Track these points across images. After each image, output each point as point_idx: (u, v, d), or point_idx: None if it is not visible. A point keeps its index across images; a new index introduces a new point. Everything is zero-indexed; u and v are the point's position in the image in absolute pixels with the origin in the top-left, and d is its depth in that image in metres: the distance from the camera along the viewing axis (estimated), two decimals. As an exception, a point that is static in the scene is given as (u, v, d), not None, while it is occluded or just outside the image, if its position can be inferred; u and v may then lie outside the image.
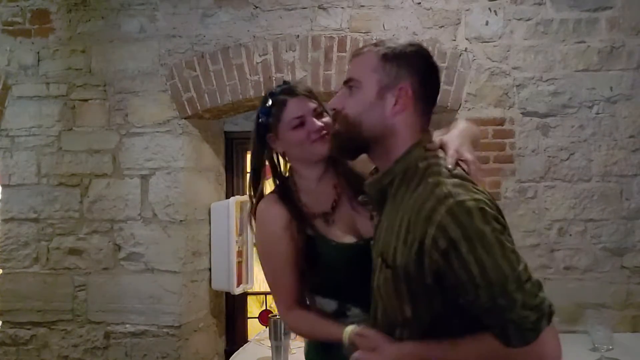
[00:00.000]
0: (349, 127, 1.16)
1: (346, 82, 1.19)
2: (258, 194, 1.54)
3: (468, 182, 1.08)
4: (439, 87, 1.21)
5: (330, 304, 1.44)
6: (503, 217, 1.06)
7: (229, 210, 3.17)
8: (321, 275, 1.43)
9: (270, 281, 1.50)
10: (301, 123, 1.48)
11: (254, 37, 3.05)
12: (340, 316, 1.42)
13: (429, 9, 2.97)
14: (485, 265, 0.98)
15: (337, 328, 1.32)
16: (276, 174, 1.59)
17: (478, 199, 1.02)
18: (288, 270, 1.44)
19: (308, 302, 1.49)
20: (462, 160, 1.15)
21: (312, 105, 1.50)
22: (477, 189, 1.07)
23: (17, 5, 3.21)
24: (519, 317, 0.99)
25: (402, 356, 1.11)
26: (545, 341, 1.02)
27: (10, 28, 3.22)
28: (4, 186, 3.22)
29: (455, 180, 1.07)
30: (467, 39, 2.95)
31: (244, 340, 3.25)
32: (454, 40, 2.96)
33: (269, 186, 3.75)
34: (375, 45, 1.18)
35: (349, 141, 1.18)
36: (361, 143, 1.17)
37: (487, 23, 2.95)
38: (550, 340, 1.03)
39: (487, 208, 1.02)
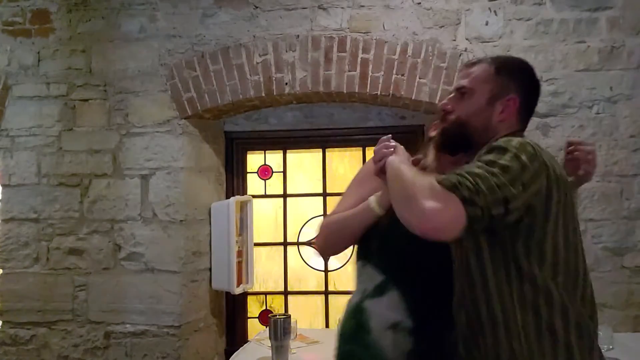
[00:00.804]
0: (456, 127, 1.34)
1: (458, 89, 1.37)
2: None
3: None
4: (538, 100, 1.39)
5: (375, 277, 1.47)
6: (550, 168, 1.17)
7: (229, 210, 3.17)
8: (384, 243, 1.47)
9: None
10: None
11: (254, 37, 3.06)
12: (377, 293, 1.45)
13: (429, 9, 2.97)
14: (491, 157, 1.15)
15: (363, 206, 1.46)
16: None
17: (527, 141, 1.18)
18: (353, 199, 1.53)
19: (356, 266, 1.54)
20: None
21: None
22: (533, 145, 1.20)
23: (17, 5, 3.22)
24: (463, 173, 1.11)
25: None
26: (446, 198, 1.08)
27: (11, 28, 3.22)
28: (4, 186, 3.22)
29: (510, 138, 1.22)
30: (467, 39, 2.95)
31: (244, 340, 3.25)
32: (454, 40, 2.96)
33: (269, 186, 3.75)
34: (492, 59, 1.38)
35: (454, 138, 1.36)
36: (464, 141, 1.34)
37: (487, 23, 2.95)
38: (447, 202, 1.07)
39: (529, 147, 1.16)
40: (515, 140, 1.18)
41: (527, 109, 1.35)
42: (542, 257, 1.17)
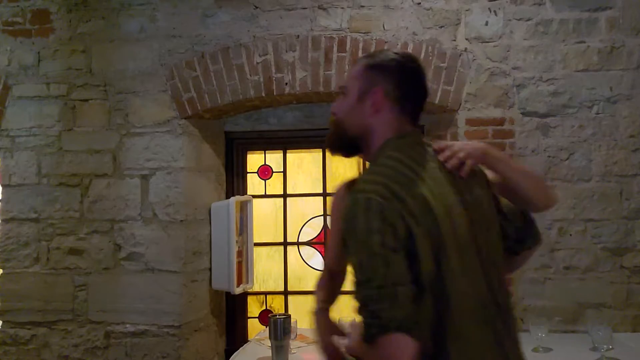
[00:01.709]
0: (337, 127, 1.35)
1: (340, 89, 1.38)
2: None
3: (389, 169, 1.18)
4: (420, 88, 1.32)
5: None
6: (399, 207, 1.09)
7: (229, 210, 3.17)
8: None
9: None
10: None
11: (254, 37, 3.06)
12: None
13: (429, 9, 2.97)
14: (356, 259, 1.10)
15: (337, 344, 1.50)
16: None
17: (367, 190, 1.12)
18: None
19: None
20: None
21: None
22: (379, 178, 1.15)
23: (18, 5, 3.22)
24: (364, 315, 1.07)
25: None
26: (391, 345, 1.03)
27: (11, 28, 3.22)
28: (4, 186, 3.22)
29: (372, 170, 1.24)
30: (467, 39, 2.96)
31: (244, 340, 3.25)
32: (454, 40, 2.96)
33: (269, 186, 3.75)
34: (366, 56, 1.37)
35: (338, 140, 1.36)
36: (348, 141, 1.33)
37: (487, 23, 2.95)
38: (397, 346, 1.03)
39: (373, 200, 1.10)
40: (360, 196, 1.12)
41: (400, 99, 1.27)
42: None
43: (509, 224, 1.37)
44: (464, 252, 1.15)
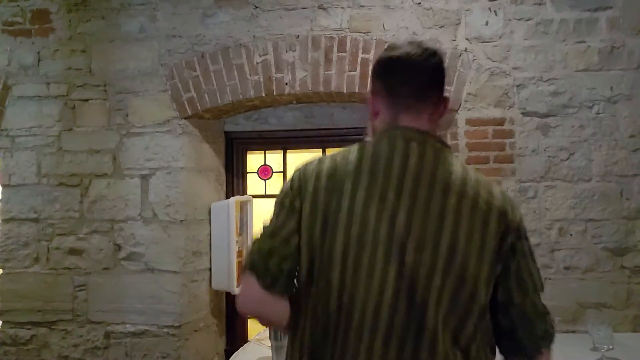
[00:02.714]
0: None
1: None
2: None
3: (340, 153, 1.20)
4: (398, 75, 1.19)
5: None
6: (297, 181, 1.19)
7: (229, 210, 3.17)
8: None
9: None
10: None
11: (254, 37, 3.06)
12: None
13: (429, 9, 2.97)
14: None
15: None
16: None
17: (305, 163, 1.22)
18: None
19: None
20: None
21: None
22: (321, 160, 1.21)
23: (17, 5, 3.22)
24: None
25: None
26: (243, 281, 1.18)
27: (11, 28, 3.22)
28: (4, 186, 3.22)
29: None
30: (467, 39, 2.95)
31: (244, 340, 3.25)
32: (454, 40, 2.96)
33: (269, 186, 3.75)
34: None
35: None
36: None
37: (487, 23, 2.95)
38: (244, 284, 1.18)
39: (297, 172, 1.21)
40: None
41: (384, 92, 1.20)
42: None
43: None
44: (365, 247, 1.06)
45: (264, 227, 1.20)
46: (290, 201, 1.17)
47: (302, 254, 1.13)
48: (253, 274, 1.13)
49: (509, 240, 1.09)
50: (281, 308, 1.15)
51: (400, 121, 1.18)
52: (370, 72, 1.26)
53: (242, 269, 1.16)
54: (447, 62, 2.93)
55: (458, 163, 1.15)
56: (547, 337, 1.11)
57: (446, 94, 1.24)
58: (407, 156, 1.12)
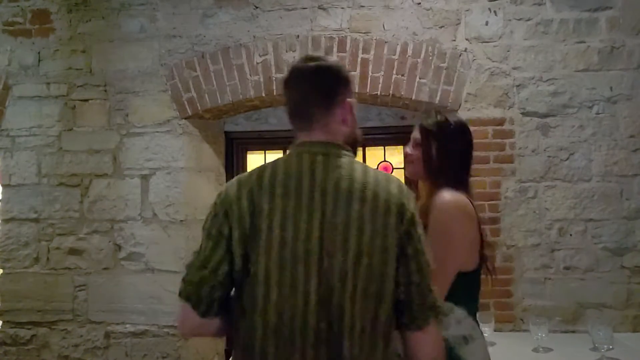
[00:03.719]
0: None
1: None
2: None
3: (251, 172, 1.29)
4: (292, 96, 1.35)
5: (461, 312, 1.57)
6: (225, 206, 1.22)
7: (229, 210, 3.16)
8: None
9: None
10: None
11: (254, 37, 3.06)
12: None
13: (429, 9, 2.97)
14: None
15: None
16: None
17: (227, 185, 1.27)
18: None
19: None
20: None
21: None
22: (241, 178, 1.28)
23: (18, 6, 3.22)
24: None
25: None
26: (179, 309, 1.24)
27: (11, 28, 3.22)
28: (4, 186, 3.22)
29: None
30: (467, 39, 2.95)
31: (244, 340, 3.25)
32: (454, 40, 2.96)
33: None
34: None
35: None
36: None
37: (487, 23, 2.95)
38: (179, 311, 1.25)
39: (218, 194, 1.25)
40: (218, 194, 1.27)
41: (289, 115, 1.40)
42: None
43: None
44: (286, 266, 1.17)
45: (195, 256, 1.23)
46: (218, 229, 1.21)
47: (235, 278, 1.21)
48: (188, 303, 1.22)
49: (405, 228, 1.22)
50: (217, 325, 1.26)
51: (302, 136, 1.33)
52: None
53: (179, 296, 1.23)
54: (447, 62, 2.94)
55: (359, 168, 1.25)
56: (435, 309, 1.23)
57: (347, 98, 1.31)
58: (313, 171, 1.24)
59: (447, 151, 1.64)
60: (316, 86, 1.29)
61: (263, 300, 1.16)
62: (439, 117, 1.73)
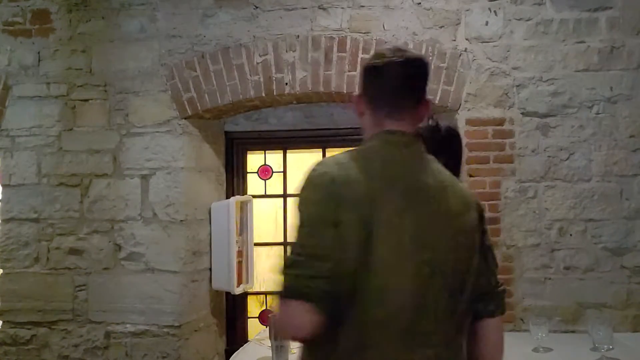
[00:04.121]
0: None
1: None
2: None
3: (357, 153, 1.20)
4: (384, 84, 1.26)
5: None
6: (335, 192, 1.11)
7: (229, 210, 3.17)
8: None
9: None
10: None
11: (254, 37, 3.06)
12: None
13: (429, 9, 2.97)
14: (296, 225, 1.14)
15: None
16: None
17: (315, 169, 1.16)
18: None
19: None
20: None
21: None
22: (341, 158, 1.18)
23: (18, 5, 3.22)
24: (281, 278, 1.11)
25: None
26: (287, 309, 1.09)
27: (11, 28, 3.22)
28: (4, 186, 3.22)
29: (342, 153, 1.22)
30: (467, 39, 2.96)
31: (244, 340, 3.25)
32: (454, 40, 2.96)
33: (269, 186, 3.75)
34: None
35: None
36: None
37: (487, 23, 2.95)
38: (292, 311, 1.09)
39: (326, 175, 1.13)
40: (311, 176, 1.16)
41: (369, 98, 1.28)
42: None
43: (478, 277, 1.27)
44: (403, 257, 1.12)
45: (299, 247, 1.10)
46: (327, 215, 1.09)
47: (346, 266, 1.09)
48: (304, 300, 1.07)
49: (483, 223, 1.28)
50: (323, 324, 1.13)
51: (389, 124, 1.25)
52: (361, 74, 1.30)
53: (284, 296, 1.09)
54: (447, 62, 2.94)
55: (437, 162, 1.27)
56: (504, 296, 1.34)
57: (429, 97, 1.31)
58: (414, 162, 1.22)
59: (436, 157, 1.63)
60: (412, 79, 1.27)
61: (381, 294, 1.10)
62: (430, 122, 1.73)
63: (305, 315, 1.07)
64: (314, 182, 1.14)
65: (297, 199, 1.16)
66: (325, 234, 1.08)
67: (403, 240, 1.12)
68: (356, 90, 1.32)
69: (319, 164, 1.18)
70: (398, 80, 1.25)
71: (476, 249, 1.23)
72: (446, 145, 1.70)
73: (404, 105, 1.26)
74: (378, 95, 1.27)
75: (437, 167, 1.24)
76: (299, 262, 1.08)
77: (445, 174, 1.25)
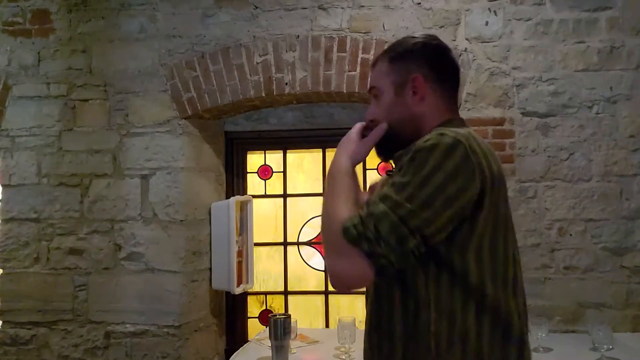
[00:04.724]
0: (386, 133, 1.22)
1: (370, 92, 1.28)
2: None
3: (470, 133, 1.14)
4: (454, 66, 1.26)
5: None
6: (485, 169, 1.08)
7: (229, 210, 3.17)
8: None
9: None
10: None
11: (254, 37, 3.06)
12: None
13: (429, 9, 2.97)
14: (406, 173, 1.05)
15: None
16: None
17: (458, 139, 1.05)
18: None
19: None
20: None
21: None
22: (466, 133, 1.11)
23: (18, 5, 3.22)
24: (364, 217, 1.03)
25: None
26: (351, 253, 1.03)
27: (11, 28, 3.22)
28: (4, 186, 3.22)
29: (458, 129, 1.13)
30: (467, 39, 2.96)
31: (244, 340, 3.25)
32: (454, 40, 2.96)
33: (269, 186, 3.75)
34: (385, 51, 1.27)
35: (391, 144, 1.23)
36: (400, 141, 1.20)
37: (487, 23, 2.95)
38: (351, 259, 1.03)
39: (460, 147, 1.05)
40: (448, 137, 1.06)
41: (440, 80, 1.22)
42: (465, 265, 1.07)
43: None
44: (515, 246, 1.16)
45: (405, 210, 1.01)
46: (471, 196, 1.04)
47: (469, 250, 1.06)
48: (375, 265, 1.02)
49: None
50: None
51: (454, 111, 1.25)
52: (405, 57, 1.22)
53: (367, 249, 1.02)
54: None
55: None
56: None
57: None
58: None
59: None
60: (456, 61, 1.28)
61: (514, 282, 1.11)
62: None
63: (361, 267, 1.05)
64: (447, 148, 1.06)
65: (420, 157, 1.06)
66: (440, 211, 1.05)
67: (512, 229, 1.17)
68: (410, 74, 1.20)
69: (450, 133, 1.08)
70: (456, 65, 1.26)
71: None
72: None
73: (458, 87, 1.27)
74: (446, 75, 1.24)
75: None
76: (397, 226, 1.02)
77: None
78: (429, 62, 1.21)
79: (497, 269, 1.09)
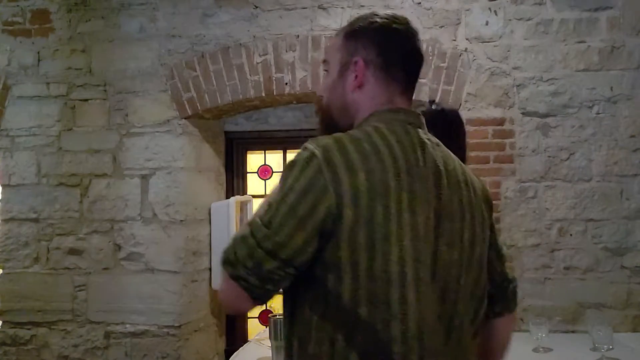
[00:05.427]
0: (322, 112, 1.13)
1: (323, 63, 1.17)
2: None
3: (361, 134, 1.00)
4: (411, 54, 1.09)
5: None
6: (365, 175, 0.94)
7: (229, 210, 3.17)
8: None
9: None
10: None
11: (254, 37, 3.06)
12: None
13: (429, 9, 2.97)
14: (273, 191, 0.99)
15: None
16: None
17: (314, 152, 0.96)
18: None
19: None
20: None
21: None
22: (338, 141, 0.97)
23: (17, 5, 3.22)
24: (230, 241, 0.99)
25: None
26: (224, 281, 0.99)
27: (11, 28, 3.22)
28: (4, 186, 3.22)
29: (339, 134, 1.01)
30: (467, 39, 2.95)
31: (244, 340, 3.25)
32: (454, 40, 2.96)
33: (269, 186, 3.76)
34: (347, 24, 1.13)
35: (327, 127, 1.11)
36: (338, 129, 1.06)
37: (487, 23, 2.95)
38: (225, 285, 0.99)
39: (314, 161, 0.95)
40: (307, 150, 0.96)
41: (385, 67, 1.07)
42: (339, 282, 0.94)
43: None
44: (420, 259, 0.97)
45: (262, 233, 0.94)
46: (326, 213, 0.93)
47: (342, 269, 0.94)
48: (243, 288, 0.96)
49: (491, 215, 1.15)
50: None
51: (402, 98, 1.09)
52: (357, 35, 1.08)
53: (229, 272, 0.98)
54: (447, 62, 2.94)
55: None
56: (516, 297, 1.20)
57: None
58: (423, 146, 1.03)
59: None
60: (421, 55, 1.11)
61: (400, 305, 0.94)
62: (434, 107, 1.68)
63: (235, 291, 1.00)
64: (302, 165, 0.97)
65: (281, 176, 1.00)
66: (293, 233, 0.97)
67: (418, 239, 0.97)
68: (355, 56, 1.07)
69: (312, 143, 0.99)
70: (416, 52, 1.09)
71: (486, 244, 1.09)
72: (454, 130, 1.63)
73: (413, 82, 1.11)
74: (395, 63, 1.07)
75: (447, 152, 1.09)
76: (257, 252, 0.96)
77: (455, 158, 1.09)
78: (379, 47, 1.06)
79: (376, 289, 0.93)
